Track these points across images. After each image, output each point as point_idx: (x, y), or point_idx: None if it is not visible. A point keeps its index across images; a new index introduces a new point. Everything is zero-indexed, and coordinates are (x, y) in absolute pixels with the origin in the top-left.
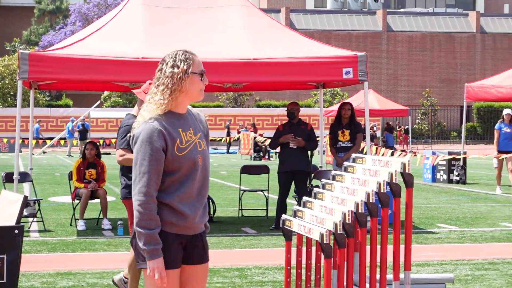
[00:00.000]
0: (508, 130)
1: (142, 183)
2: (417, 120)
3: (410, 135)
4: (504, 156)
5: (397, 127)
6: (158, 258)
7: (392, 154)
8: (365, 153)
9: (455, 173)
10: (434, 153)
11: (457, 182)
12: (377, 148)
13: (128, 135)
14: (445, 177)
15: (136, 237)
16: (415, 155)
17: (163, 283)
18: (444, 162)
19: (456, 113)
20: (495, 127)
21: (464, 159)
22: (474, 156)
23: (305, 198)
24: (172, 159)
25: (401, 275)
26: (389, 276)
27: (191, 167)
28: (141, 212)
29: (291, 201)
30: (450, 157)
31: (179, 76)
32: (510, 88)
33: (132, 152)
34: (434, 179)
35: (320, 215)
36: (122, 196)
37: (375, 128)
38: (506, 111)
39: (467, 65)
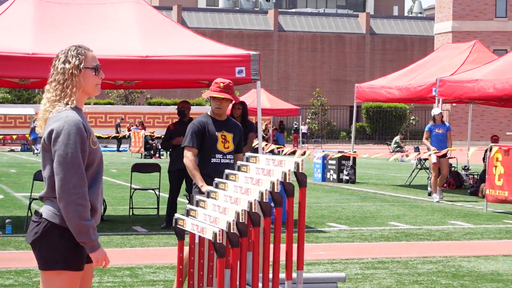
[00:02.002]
0: (441, 131)
1: (78, 175)
2: (307, 120)
3: (300, 134)
4: (428, 153)
5: (294, 126)
6: (100, 246)
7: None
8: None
9: (345, 172)
10: (324, 152)
11: (347, 181)
12: (266, 145)
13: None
14: (335, 176)
15: (77, 232)
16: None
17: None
18: (334, 162)
19: (345, 113)
20: (426, 128)
21: (354, 158)
22: (363, 156)
23: (198, 197)
24: (89, 152)
25: (294, 275)
26: (282, 275)
27: (100, 162)
28: (83, 204)
29: (182, 199)
30: (354, 155)
31: (70, 71)
32: (398, 89)
33: None
34: (324, 179)
35: (213, 214)
36: None
37: (270, 128)
38: (436, 111)
39: (357, 66)
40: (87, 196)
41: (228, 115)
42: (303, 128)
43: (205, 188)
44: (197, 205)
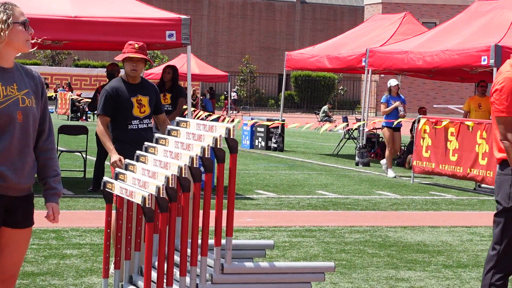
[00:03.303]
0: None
1: None
2: (236, 87)
3: (229, 101)
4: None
5: (224, 93)
6: None
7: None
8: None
9: (273, 140)
10: (252, 119)
11: (275, 149)
12: (194, 111)
13: None
14: (263, 144)
15: None
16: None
17: None
18: (262, 129)
19: (274, 81)
20: (382, 100)
21: (282, 126)
22: (293, 125)
23: (127, 161)
24: None
25: (223, 241)
26: (211, 241)
27: (7, 122)
28: None
29: (109, 163)
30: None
31: None
32: (328, 58)
33: None
34: (252, 146)
35: (143, 178)
36: None
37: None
38: (393, 82)
39: (287, 34)
40: None
41: (142, 77)
42: (234, 95)
43: (115, 157)
44: (126, 168)
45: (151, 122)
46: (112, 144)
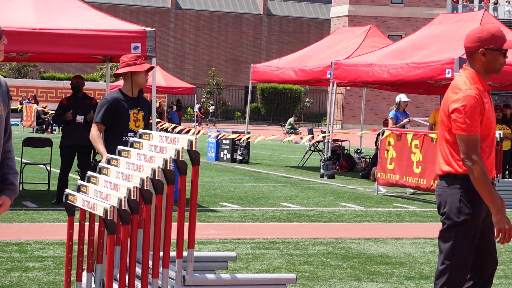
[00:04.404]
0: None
1: None
2: (202, 99)
3: (195, 113)
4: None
5: (196, 105)
6: None
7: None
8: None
9: (239, 152)
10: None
11: (241, 161)
12: (159, 123)
13: None
14: (228, 156)
15: None
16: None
17: None
18: (228, 141)
19: (240, 93)
20: (390, 115)
21: (248, 138)
22: (271, 138)
23: (89, 173)
24: None
25: (185, 253)
26: (173, 253)
27: None
28: None
29: (73, 175)
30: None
31: None
32: (294, 70)
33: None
34: (218, 158)
35: (105, 190)
36: None
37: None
38: (403, 98)
39: (253, 46)
40: None
41: (139, 92)
42: (197, 107)
43: (106, 156)
44: (89, 181)
45: None
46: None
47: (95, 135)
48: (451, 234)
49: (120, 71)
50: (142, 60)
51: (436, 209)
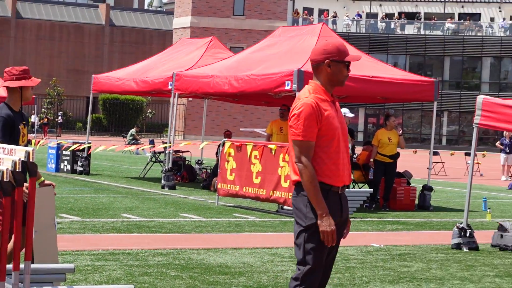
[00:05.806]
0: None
1: None
2: (43, 110)
3: (35, 124)
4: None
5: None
6: None
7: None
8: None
9: (79, 163)
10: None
11: (81, 172)
12: None
13: None
14: (69, 167)
15: None
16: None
17: None
18: (68, 152)
19: (82, 103)
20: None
21: (89, 149)
22: (112, 148)
23: None
24: None
25: (21, 265)
26: (9, 266)
27: None
28: None
29: None
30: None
31: None
32: (135, 81)
33: None
34: (58, 169)
35: None
36: None
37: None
38: (347, 113)
39: (95, 57)
40: None
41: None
42: (33, 117)
43: None
44: None
45: None
46: None
47: None
48: (301, 240)
49: (11, 84)
50: (30, 74)
51: (275, 219)
